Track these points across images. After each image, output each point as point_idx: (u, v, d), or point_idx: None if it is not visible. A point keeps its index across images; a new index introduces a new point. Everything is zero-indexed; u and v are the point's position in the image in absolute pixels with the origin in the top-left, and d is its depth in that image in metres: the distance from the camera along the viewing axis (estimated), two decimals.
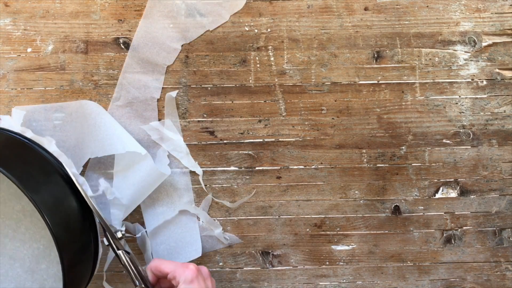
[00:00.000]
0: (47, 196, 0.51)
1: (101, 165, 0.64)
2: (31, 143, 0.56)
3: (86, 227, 0.55)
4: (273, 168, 0.65)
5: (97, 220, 0.57)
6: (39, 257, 0.57)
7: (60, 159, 0.56)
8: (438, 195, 0.66)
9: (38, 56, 0.63)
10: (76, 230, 0.54)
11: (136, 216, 0.65)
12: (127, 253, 0.57)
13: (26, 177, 0.50)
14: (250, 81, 0.64)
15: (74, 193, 0.55)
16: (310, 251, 0.66)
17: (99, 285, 0.65)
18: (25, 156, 0.54)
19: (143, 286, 0.56)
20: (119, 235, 0.57)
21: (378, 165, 0.65)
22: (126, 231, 0.65)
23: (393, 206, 0.66)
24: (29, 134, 0.57)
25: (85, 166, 0.63)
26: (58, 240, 0.50)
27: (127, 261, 0.56)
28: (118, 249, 0.56)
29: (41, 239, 0.57)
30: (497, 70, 0.64)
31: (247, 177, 0.65)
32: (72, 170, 0.56)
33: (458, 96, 0.65)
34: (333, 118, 0.65)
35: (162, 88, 0.64)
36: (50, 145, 0.57)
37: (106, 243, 0.57)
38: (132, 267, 0.56)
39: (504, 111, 0.65)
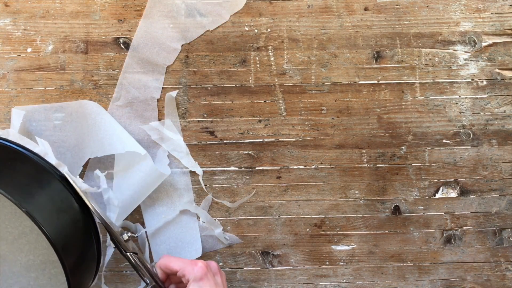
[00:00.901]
0: (43, 205, 0.51)
1: (101, 165, 0.64)
2: (24, 151, 0.55)
3: (87, 230, 0.55)
4: (273, 168, 0.65)
5: (97, 220, 0.56)
6: (31, 267, 0.56)
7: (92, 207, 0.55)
8: (438, 195, 0.66)
9: (38, 56, 0.63)
10: (77, 234, 0.53)
11: (136, 216, 0.65)
12: (135, 253, 0.57)
13: (20, 189, 0.50)
14: (250, 81, 0.64)
15: (71, 197, 0.54)
16: (310, 251, 0.66)
17: (98, 285, 0.65)
18: (18, 166, 0.53)
19: (153, 284, 0.56)
20: (125, 237, 0.57)
21: (378, 165, 0.65)
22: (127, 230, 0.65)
23: (393, 206, 0.66)
24: (64, 169, 0.55)
25: (85, 166, 0.63)
26: (58, 248, 0.49)
27: (135, 262, 0.56)
28: (126, 252, 0.56)
29: (39, 255, 0.56)
30: (497, 70, 0.64)
31: (247, 177, 0.65)
32: (80, 185, 0.55)
33: (458, 96, 0.65)
34: (333, 118, 0.65)
35: (162, 88, 0.64)
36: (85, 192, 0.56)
37: (113, 246, 0.57)
38: (142, 267, 0.56)
39: (504, 111, 0.65)
